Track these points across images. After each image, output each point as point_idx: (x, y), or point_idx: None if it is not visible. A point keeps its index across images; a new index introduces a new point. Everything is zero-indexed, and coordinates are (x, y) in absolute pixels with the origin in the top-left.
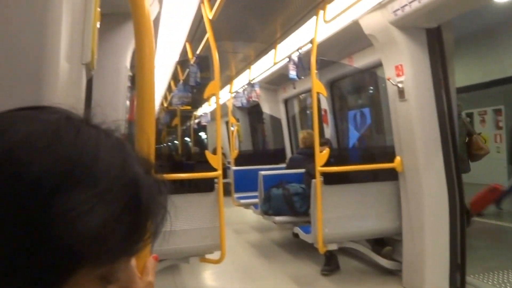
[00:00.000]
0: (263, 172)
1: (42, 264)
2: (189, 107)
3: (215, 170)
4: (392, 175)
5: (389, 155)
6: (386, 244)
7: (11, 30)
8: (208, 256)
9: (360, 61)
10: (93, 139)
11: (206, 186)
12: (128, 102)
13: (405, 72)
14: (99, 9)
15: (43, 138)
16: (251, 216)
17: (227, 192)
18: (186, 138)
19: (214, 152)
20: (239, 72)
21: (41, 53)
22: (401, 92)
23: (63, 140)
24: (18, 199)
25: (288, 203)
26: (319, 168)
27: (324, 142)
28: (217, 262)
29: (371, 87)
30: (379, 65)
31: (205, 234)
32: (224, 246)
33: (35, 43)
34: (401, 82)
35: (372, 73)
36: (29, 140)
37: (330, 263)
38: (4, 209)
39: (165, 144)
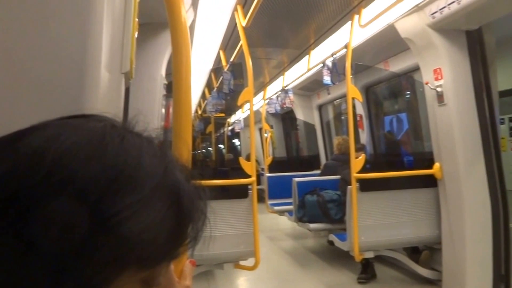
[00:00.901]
0: (297, 179)
1: (89, 268)
2: (222, 114)
3: (249, 176)
4: (430, 182)
5: (427, 162)
6: (422, 251)
7: (54, 41)
8: (242, 262)
9: (396, 65)
10: (136, 147)
11: (240, 192)
12: (163, 110)
13: (444, 75)
14: (137, 20)
15: (89, 146)
16: (285, 223)
17: (261, 199)
18: (220, 145)
19: (248, 158)
20: (272, 78)
21: (83, 63)
22: (440, 97)
23: (108, 148)
24: (66, 205)
25: (322, 210)
26: (355, 174)
27: (359, 148)
28: (251, 269)
29: (408, 92)
30: (416, 69)
31: (239, 240)
32: (258, 253)
33: (77, 53)
34: (440, 86)
35: (409, 77)
36: (76, 148)
37: (366, 271)
38: (52, 214)
39: (199, 151)
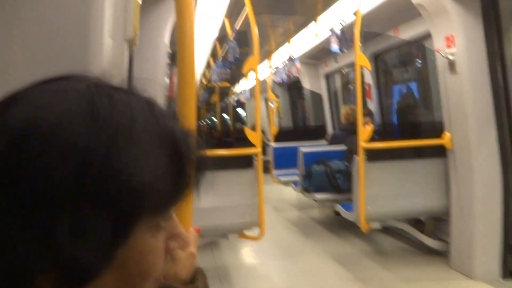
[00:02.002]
0: (303, 149)
1: (108, 223)
2: (227, 84)
3: (254, 146)
4: (440, 152)
5: (437, 131)
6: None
7: (56, 8)
8: (247, 232)
9: (407, 33)
10: (125, 103)
11: (245, 162)
12: (167, 79)
13: (456, 43)
14: None
15: (81, 110)
16: (291, 193)
17: (266, 170)
18: (224, 115)
19: (253, 128)
20: (278, 46)
21: (86, 29)
22: (451, 65)
23: (100, 109)
24: (74, 172)
25: (330, 180)
26: (363, 144)
27: (366, 114)
28: (256, 239)
29: (418, 60)
30: (427, 36)
31: (244, 210)
32: (263, 223)
33: (80, 19)
34: (452, 54)
35: (420, 45)
36: (69, 114)
37: None
38: (62, 182)
39: (203, 122)
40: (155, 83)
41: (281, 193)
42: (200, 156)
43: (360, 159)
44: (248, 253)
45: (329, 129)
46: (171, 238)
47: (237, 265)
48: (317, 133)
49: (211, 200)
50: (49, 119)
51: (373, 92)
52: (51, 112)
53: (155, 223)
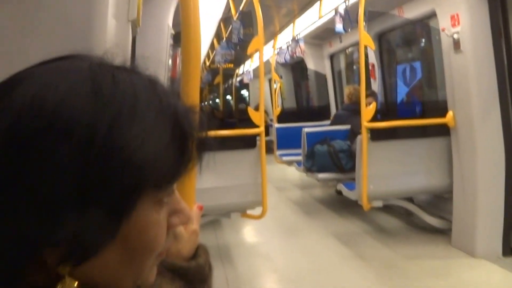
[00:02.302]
0: (306, 129)
1: (112, 197)
2: (231, 65)
3: (257, 126)
4: (443, 131)
5: (441, 110)
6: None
7: None
8: (249, 212)
9: (411, 12)
10: (128, 81)
11: (248, 142)
12: (170, 61)
13: (461, 22)
14: None
15: (85, 88)
16: (293, 173)
17: (269, 150)
18: (228, 96)
19: (257, 109)
20: (283, 27)
21: (90, 10)
22: (456, 44)
23: (103, 87)
24: (77, 148)
25: (333, 160)
26: (365, 123)
27: (369, 94)
28: (258, 217)
29: (423, 39)
30: (432, 15)
31: (247, 190)
32: (265, 202)
33: (84, 0)
34: (456, 32)
35: (424, 24)
36: (73, 92)
37: None
38: (66, 157)
39: (205, 103)
40: (158, 62)
41: (284, 173)
42: (202, 132)
43: (363, 138)
44: (249, 232)
45: (333, 110)
46: (173, 214)
47: (239, 244)
48: (320, 113)
49: (215, 180)
50: (53, 97)
51: (377, 72)
52: (55, 90)
53: (158, 199)
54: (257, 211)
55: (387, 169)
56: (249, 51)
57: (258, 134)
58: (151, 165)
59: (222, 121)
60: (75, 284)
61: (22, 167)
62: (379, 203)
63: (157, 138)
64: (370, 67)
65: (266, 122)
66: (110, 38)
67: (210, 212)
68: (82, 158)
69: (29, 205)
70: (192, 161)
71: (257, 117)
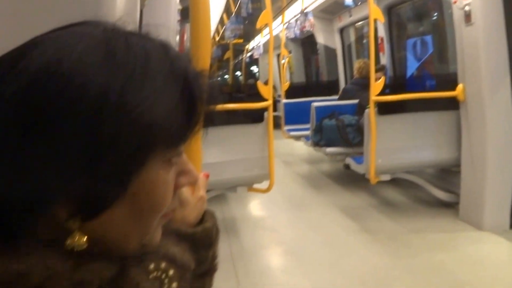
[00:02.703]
0: (315, 103)
1: (123, 154)
2: (241, 40)
3: (265, 100)
4: (452, 104)
5: (450, 84)
6: None
7: None
8: (256, 186)
9: None
10: (140, 45)
11: (256, 117)
12: (178, 37)
13: None
14: None
15: (99, 51)
16: (301, 148)
17: (276, 126)
18: (238, 72)
19: (266, 84)
20: (291, 1)
21: None
22: (467, 16)
23: (116, 50)
24: (91, 107)
25: (341, 134)
26: (374, 97)
27: (379, 68)
28: (265, 191)
29: (434, 13)
30: None
31: (254, 164)
32: (272, 176)
33: None
34: (468, 4)
35: None
36: (87, 54)
37: None
38: (80, 116)
39: (214, 79)
40: (167, 30)
41: (292, 147)
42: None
43: (371, 112)
44: (255, 206)
45: (342, 85)
46: (181, 174)
47: (245, 218)
48: (330, 88)
49: (222, 154)
50: (69, 60)
51: (386, 45)
52: (70, 53)
53: (167, 159)
54: (263, 185)
55: (395, 143)
56: (258, 24)
57: (267, 108)
58: (160, 125)
59: (231, 95)
60: (84, 239)
61: (39, 125)
62: (386, 177)
63: (167, 99)
64: (379, 41)
65: (274, 97)
66: (118, 10)
67: (217, 187)
68: (96, 117)
69: (45, 161)
70: (200, 123)
71: (265, 90)
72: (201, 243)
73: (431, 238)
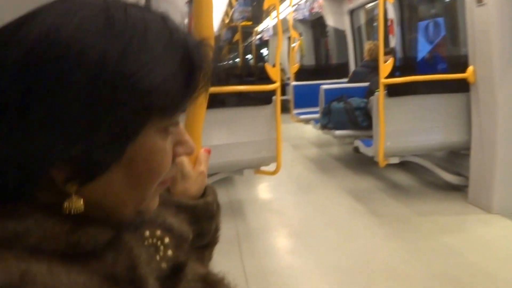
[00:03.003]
0: (324, 86)
1: (121, 118)
2: (250, 23)
3: (273, 82)
4: (462, 87)
5: (460, 66)
6: None
7: None
8: (263, 168)
9: None
10: (139, 14)
11: (264, 99)
12: (186, 20)
13: None
14: None
15: (98, 18)
16: (310, 131)
17: (285, 109)
18: (248, 56)
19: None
20: None
21: None
22: None
23: (115, 18)
24: (90, 72)
25: (350, 117)
26: (383, 80)
27: (388, 52)
28: (272, 173)
29: None
30: None
31: (261, 146)
32: (280, 158)
33: None
34: None
35: None
36: (87, 21)
37: None
38: (79, 81)
39: (225, 63)
40: (175, 9)
41: (301, 131)
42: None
43: (380, 94)
44: (263, 189)
45: (352, 67)
46: (178, 144)
47: (252, 200)
48: (339, 71)
49: (229, 136)
50: (68, 27)
51: (396, 27)
52: (70, 21)
53: (164, 126)
54: (271, 167)
55: (404, 126)
56: (265, 5)
57: (274, 90)
58: (157, 92)
59: (241, 78)
60: (81, 202)
61: (39, 90)
62: (395, 160)
63: (165, 67)
64: (388, 23)
65: (282, 80)
66: None
67: (225, 169)
68: (94, 82)
69: (44, 125)
70: (198, 92)
71: (274, 72)
72: (202, 216)
73: (439, 221)
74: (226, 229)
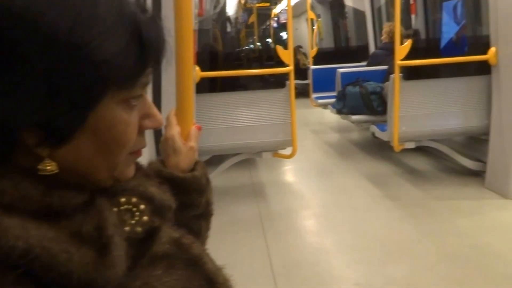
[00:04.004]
0: (341, 70)
1: (76, 90)
2: (267, 4)
3: (287, 66)
4: (483, 69)
5: (481, 47)
6: None
7: None
8: (280, 151)
9: None
10: None
11: (278, 82)
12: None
13: None
14: None
15: None
16: (331, 116)
17: (306, 93)
18: (268, 40)
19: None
20: None
21: None
22: None
23: None
24: (42, 40)
25: (365, 102)
26: (399, 62)
27: (412, 34)
28: (288, 157)
29: None
30: None
31: (277, 130)
32: (295, 142)
33: None
34: None
35: None
36: None
37: None
38: (33, 49)
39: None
40: None
41: (321, 116)
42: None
43: (395, 77)
44: (284, 173)
45: (372, 49)
46: (145, 117)
47: (273, 182)
48: (359, 53)
49: (247, 118)
50: (20, 1)
51: (419, 6)
52: None
53: (124, 98)
54: (288, 151)
55: (420, 110)
56: None
57: (288, 73)
58: (110, 63)
59: (258, 62)
60: (54, 165)
61: None
62: (411, 145)
63: (116, 39)
64: (411, 2)
65: (304, 65)
66: None
67: (242, 150)
68: (48, 52)
69: (6, 93)
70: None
71: (286, 55)
72: (191, 188)
73: (455, 205)
74: (249, 209)
